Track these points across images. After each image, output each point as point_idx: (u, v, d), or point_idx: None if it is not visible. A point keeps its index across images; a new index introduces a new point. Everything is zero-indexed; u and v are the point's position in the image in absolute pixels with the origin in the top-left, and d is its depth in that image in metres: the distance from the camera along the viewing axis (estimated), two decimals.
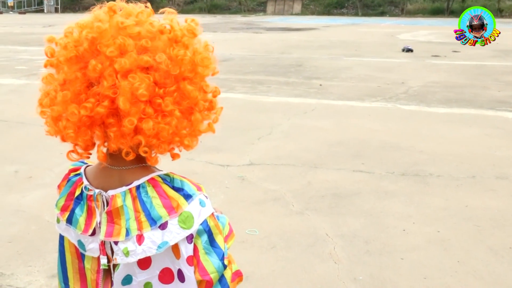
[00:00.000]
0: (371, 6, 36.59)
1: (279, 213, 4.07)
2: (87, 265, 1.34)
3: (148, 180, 1.24)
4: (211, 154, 5.33)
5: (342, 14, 36.50)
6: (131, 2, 1.22)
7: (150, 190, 1.23)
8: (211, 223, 1.26)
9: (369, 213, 4.05)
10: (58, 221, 1.36)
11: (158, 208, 1.21)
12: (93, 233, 1.28)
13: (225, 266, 1.28)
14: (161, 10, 1.25)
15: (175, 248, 1.23)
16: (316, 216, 3.99)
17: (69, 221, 1.31)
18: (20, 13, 40.26)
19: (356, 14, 35.64)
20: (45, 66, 1.22)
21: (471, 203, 4.24)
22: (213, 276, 1.25)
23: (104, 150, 1.23)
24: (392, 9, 36.12)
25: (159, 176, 1.24)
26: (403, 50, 14.24)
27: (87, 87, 1.16)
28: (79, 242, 1.32)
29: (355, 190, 4.52)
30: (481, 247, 3.51)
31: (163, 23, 1.19)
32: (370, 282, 3.11)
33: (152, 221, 1.21)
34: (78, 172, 1.34)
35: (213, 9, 39.06)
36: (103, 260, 1.29)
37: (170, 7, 1.24)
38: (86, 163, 1.36)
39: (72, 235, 1.33)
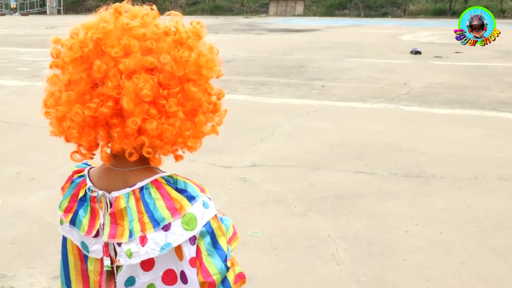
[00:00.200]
0: (373, 7, 36.57)
1: (281, 214, 4.07)
2: (90, 266, 1.34)
3: (151, 182, 1.24)
4: (213, 156, 5.33)
5: (344, 15, 36.49)
6: (137, 4, 1.22)
7: (153, 191, 1.23)
8: (214, 225, 1.26)
9: (371, 214, 4.04)
10: (61, 222, 1.36)
11: (161, 209, 1.21)
12: (97, 235, 1.28)
13: (227, 268, 1.27)
14: (167, 13, 1.26)
15: (178, 250, 1.23)
16: (319, 218, 3.99)
17: (73, 222, 1.32)
18: (22, 14, 40.33)
19: (358, 15, 35.64)
20: (51, 67, 1.23)
21: (473, 204, 4.23)
22: (216, 278, 1.25)
23: (108, 151, 1.23)
24: (394, 10, 36.10)
25: (162, 177, 1.25)
26: (411, 52, 14.23)
27: (91, 88, 1.17)
28: (83, 243, 1.32)
29: (357, 191, 4.52)
30: (484, 249, 3.50)
31: (168, 25, 1.20)
32: (373, 283, 3.11)
33: (156, 222, 1.21)
34: (82, 173, 1.34)
35: (215, 11, 39.09)
36: (107, 262, 1.29)
37: (175, 10, 1.25)
38: (90, 165, 1.37)
39: (75, 237, 1.33)
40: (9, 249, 3.53)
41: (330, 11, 37.15)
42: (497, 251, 3.47)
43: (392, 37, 19.95)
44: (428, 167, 5.12)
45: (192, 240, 1.23)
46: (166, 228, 1.21)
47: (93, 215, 1.28)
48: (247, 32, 22.98)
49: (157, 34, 1.17)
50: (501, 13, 30.50)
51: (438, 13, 33.72)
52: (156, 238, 1.21)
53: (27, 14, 40.60)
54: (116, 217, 1.24)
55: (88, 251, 1.31)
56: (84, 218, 1.29)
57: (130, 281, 1.28)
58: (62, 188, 1.37)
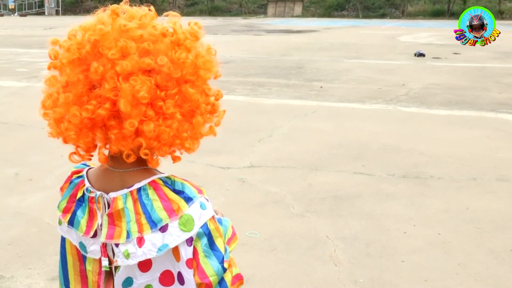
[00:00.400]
0: (371, 8, 36.62)
1: (279, 215, 4.07)
2: (89, 267, 1.34)
3: (149, 183, 1.24)
4: (211, 157, 5.33)
5: (343, 16, 36.53)
6: (135, 5, 1.22)
7: (151, 192, 1.23)
8: (211, 226, 1.26)
9: (369, 215, 4.05)
10: (60, 223, 1.36)
11: (158, 210, 1.21)
12: (95, 235, 1.28)
13: (224, 270, 1.27)
14: (164, 14, 1.26)
15: (175, 251, 1.23)
16: (317, 219, 3.99)
17: (71, 223, 1.32)
18: (21, 15, 40.31)
19: (357, 16, 35.67)
20: (49, 68, 1.23)
21: (471, 205, 4.23)
22: (212, 279, 1.25)
23: (106, 152, 1.24)
24: (392, 11, 36.14)
25: (160, 178, 1.25)
26: (415, 55, 14.24)
27: (89, 89, 1.17)
28: (81, 244, 1.32)
29: (356, 192, 4.52)
30: (482, 250, 3.51)
31: (165, 26, 1.20)
32: (371, 284, 3.11)
33: (153, 223, 1.21)
34: (80, 174, 1.35)
35: (213, 12, 39.10)
36: (105, 262, 1.29)
37: (173, 10, 1.25)
38: (89, 166, 1.37)
39: (73, 237, 1.33)
40: (7, 250, 3.53)
41: (329, 12, 37.19)
42: (495, 252, 3.47)
43: (391, 38, 19.98)
44: (426, 168, 5.12)
45: (189, 241, 1.23)
46: (163, 229, 1.21)
47: (91, 216, 1.29)
48: (245, 33, 22.99)
49: (155, 36, 1.17)
50: (499, 14, 30.54)
51: (437, 14, 33.78)
52: (153, 239, 1.21)
53: (25, 15, 40.59)
54: (114, 218, 1.24)
55: (86, 252, 1.32)
56: (82, 218, 1.30)
57: (128, 282, 1.28)
58: (61, 189, 1.38)
